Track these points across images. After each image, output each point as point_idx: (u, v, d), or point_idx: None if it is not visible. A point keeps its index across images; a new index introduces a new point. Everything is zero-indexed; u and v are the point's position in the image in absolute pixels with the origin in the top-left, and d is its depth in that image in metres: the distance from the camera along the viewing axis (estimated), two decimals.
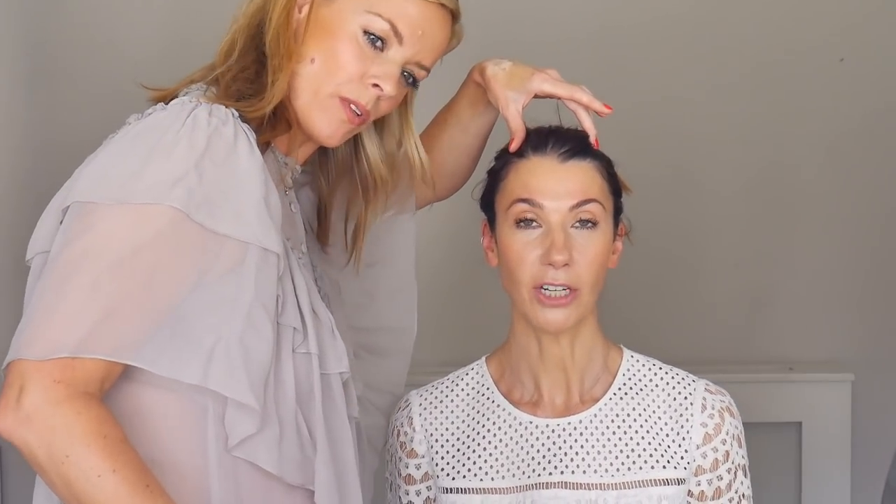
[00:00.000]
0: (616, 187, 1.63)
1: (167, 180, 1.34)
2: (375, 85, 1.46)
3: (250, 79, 1.46)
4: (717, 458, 1.61)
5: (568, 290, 1.55)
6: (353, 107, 1.47)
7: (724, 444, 1.62)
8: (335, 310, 1.56)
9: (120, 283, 1.32)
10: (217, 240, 1.36)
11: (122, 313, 1.31)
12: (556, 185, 1.57)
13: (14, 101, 2.57)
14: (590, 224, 1.57)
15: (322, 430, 1.43)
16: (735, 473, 1.63)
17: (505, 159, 1.62)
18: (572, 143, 1.60)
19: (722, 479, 1.62)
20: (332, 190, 1.63)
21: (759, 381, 2.64)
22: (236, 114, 1.42)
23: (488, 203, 1.64)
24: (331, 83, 1.46)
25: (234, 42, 1.49)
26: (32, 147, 2.56)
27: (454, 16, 1.53)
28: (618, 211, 1.63)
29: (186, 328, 1.34)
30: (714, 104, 2.62)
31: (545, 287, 1.55)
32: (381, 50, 1.47)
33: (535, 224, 1.57)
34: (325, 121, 1.48)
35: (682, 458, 1.61)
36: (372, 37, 1.46)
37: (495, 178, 1.63)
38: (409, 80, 1.51)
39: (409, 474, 1.68)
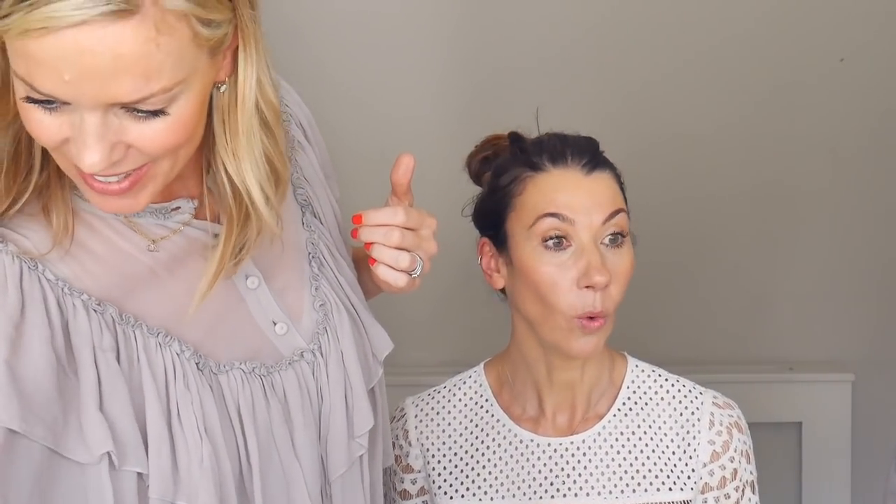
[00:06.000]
0: (625, 195, 1.56)
1: None
2: None
3: None
4: (724, 476, 1.57)
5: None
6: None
7: (731, 462, 1.57)
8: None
9: None
10: None
11: None
12: (584, 198, 1.50)
13: None
14: (619, 237, 1.50)
15: None
16: (742, 491, 1.58)
17: (515, 173, 1.54)
18: (590, 152, 1.53)
19: (729, 497, 1.57)
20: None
21: (759, 381, 2.64)
22: None
23: (494, 222, 1.56)
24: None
25: None
26: None
27: (123, 13, 1.05)
28: None
29: None
30: (714, 104, 2.62)
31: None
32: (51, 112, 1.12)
33: (564, 243, 1.49)
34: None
35: (688, 477, 1.56)
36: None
37: (505, 195, 1.55)
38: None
39: (405, 489, 1.63)
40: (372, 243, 1.32)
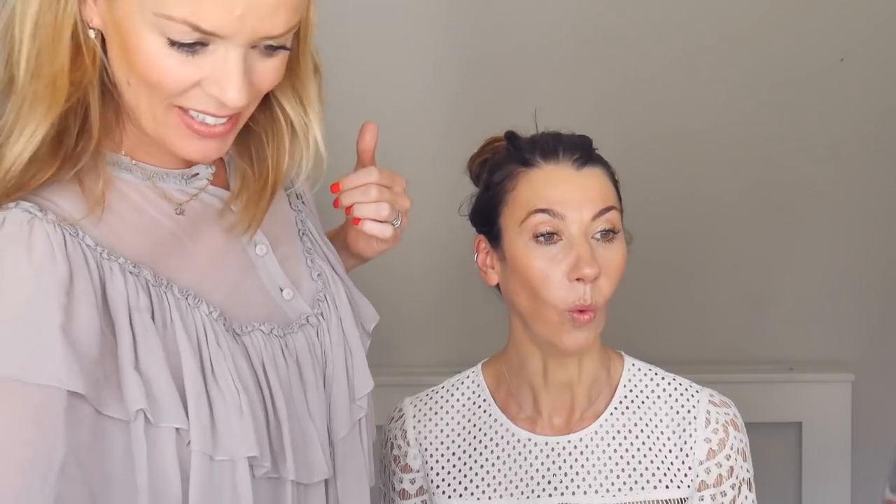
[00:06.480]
0: (619, 193, 1.58)
1: None
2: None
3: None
4: (720, 475, 1.57)
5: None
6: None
7: (728, 460, 1.58)
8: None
9: None
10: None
11: None
12: (575, 193, 1.51)
13: None
14: (610, 234, 1.52)
15: None
16: (739, 489, 1.59)
17: (509, 170, 1.56)
18: (581, 148, 1.55)
19: (726, 495, 1.58)
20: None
21: (759, 381, 2.64)
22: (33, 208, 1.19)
23: (488, 218, 1.58)
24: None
25: None
26: None
27: None
28: None
29: None
30: (713, 104, 2.61)
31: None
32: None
33: (555, 237, 1.50)
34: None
35: (685, 475, 1.57)
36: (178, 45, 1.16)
37: (499, 191, 1.56)
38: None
39: (404, 489, 1.64)
40: (352, 205, 1.41)
